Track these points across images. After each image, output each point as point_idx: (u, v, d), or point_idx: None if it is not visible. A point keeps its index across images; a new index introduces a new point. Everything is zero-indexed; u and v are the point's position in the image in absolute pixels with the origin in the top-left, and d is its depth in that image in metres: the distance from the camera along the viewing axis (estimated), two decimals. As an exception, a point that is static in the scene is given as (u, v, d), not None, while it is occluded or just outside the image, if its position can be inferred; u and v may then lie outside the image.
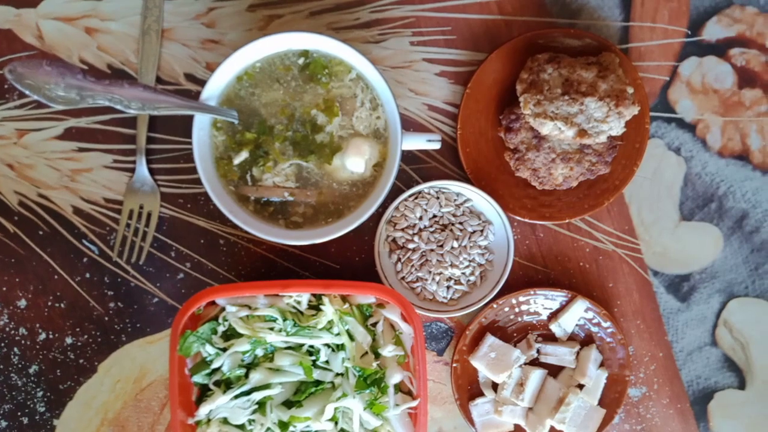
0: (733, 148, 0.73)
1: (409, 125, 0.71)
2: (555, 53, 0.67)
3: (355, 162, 0.63)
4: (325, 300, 0.62)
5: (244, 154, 0.63)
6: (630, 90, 0.64)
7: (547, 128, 0.64)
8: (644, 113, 0.68)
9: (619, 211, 0.73)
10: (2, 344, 0.70)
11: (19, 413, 0.70)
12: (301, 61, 0.64)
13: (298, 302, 0.62)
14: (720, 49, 0.73)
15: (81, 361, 0.71)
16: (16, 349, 0.70)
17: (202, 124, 0.62)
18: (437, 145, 0.65)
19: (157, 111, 0.55)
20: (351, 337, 0.62)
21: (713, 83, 0.73)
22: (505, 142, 0.70)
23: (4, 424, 0.70)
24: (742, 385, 0.73)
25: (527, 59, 0.67)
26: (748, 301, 0.73)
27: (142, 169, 0.70)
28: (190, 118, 0.61)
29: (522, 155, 0.69)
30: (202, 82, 0.67)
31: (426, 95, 0.72)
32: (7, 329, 0.70)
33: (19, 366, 0.70)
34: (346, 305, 0.63)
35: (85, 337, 0.71)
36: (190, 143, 0.62)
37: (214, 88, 0.62)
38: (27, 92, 0.48)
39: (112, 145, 0.71)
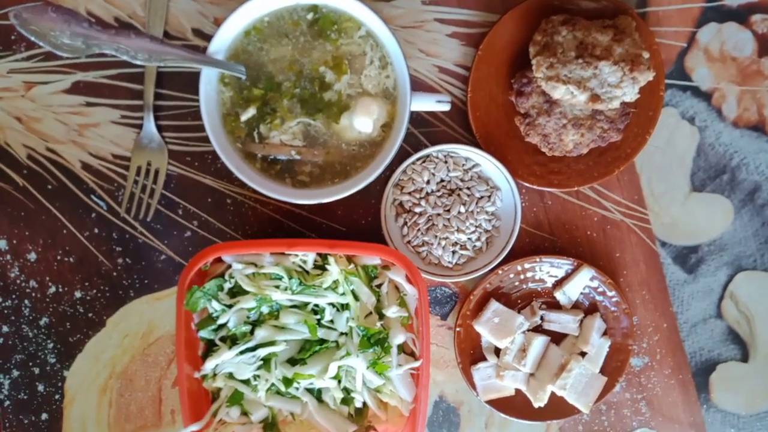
0: (748, 119, 0.72)
1: (419, 87, 0.70)
2: (570, 15, 0.65)
3: (362, 122, 0.62)
4: (331, 260, 0.62)
5: (251, 111, 0.63)
6: (646, 55, 0.62)
7: (559, 92, 0.63)
8: (659, 80, 0.67)
9: (629, 181, 0.72)
10: (14, 296, 0.71)
11: (30, 363, 0.72)
12: (310, 16, 0.63)
13: (304, 261, 0.63)
14: (741, 15, 0.70)
15: (90, 315, 0.72)
16: (26, 301, 0.71)
17: (209, 78, 0.61)
18: (447, 107, 0.65)
19: (164, 63, 0.55)
20: (356, 297, 0.63)
21: (732, 51, 0.71)
22: (516, 106, 0.68)
23: (16, 373, 0.72)
24: (744, 358, 0.73)
25: (541, 21, 0.66)
26: (756, 274, 0.73)
27: (150, 125, 0.69)
28: (198, 74, 0.61)
29: (533, 120, 0.68)
30: (209, 38, 0.66)
31: (437, 56, 0.70)
32: (18, 281, 0.71)
33: (30, 318, 0.71)
34: (352, 266, 0.63)
35: (94, 291, 0.72)
36: (198, 100, 0.61)
37: (222, 42, 0.61)
38: (32, 38, 0.48)
39: (119, 100, 0.70)
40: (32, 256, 0.71)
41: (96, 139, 0.71)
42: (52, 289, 0.72)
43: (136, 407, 0.72)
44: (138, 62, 0.54)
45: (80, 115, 0.71)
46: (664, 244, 0.72)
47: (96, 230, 0.71)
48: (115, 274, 0.71)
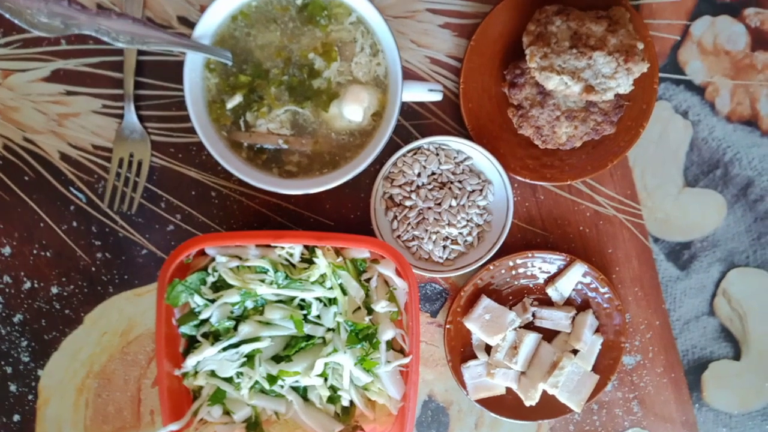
0: (741, 113, 0.71)
1: (411, 78, 0.69)
2: (564, 5, 0.64)
3: (352, 110, 0.61)
4: (319, 253, 0.60)
5: (237, 98, 0.61)
6: (640, 45, 0.61)
7: (552, 83, 0.62)
8: (653, 73, 0.66)
9: (622, 175, 0.71)
10: (-14, 292, 0.69)
11: (2, 362, 0.69)
12: (299, 1, 0.61)
13: (291, 254, 0.61)
14: (734, 8, 0.70)
15: (67, 311, 0.69)
16: (0, 298, 0.69)
17: (194, 64, 0.59)
18: (438, 97, 0.63)
19: (147, 46, 0.53)
20: (344, 292, 0.61)
21: (725, 44, 0.70)
22: (509, 97, 0.67)
23: (-13, 373, 0.69)
24: (737, 356, 0.73)
25: (535, 11, 0.65)
26: (749, 271, 0.72)
27: (131, 115, 0.67)
28: (181, 64, 0.59)
29: (525, 112, 0.67)
30: (195, 26, 0.64)
31: (428, 47, 0.69)
32: (-9, 277, 0.69)
33: (3, 315, 0.69)
34: (340, 259, 0.61)
35: (72, 287, 0.69)
36: (181, 90, 0.59)
37: (207, 26, 0.59)
38: (7, 16, 0.45)
39: (101, 89, 0.68)
40: (7, 250, 0.69)
41: (76, 129, 0.68)
42: (27, 285, 0.69)
43: (114, 408, 0.69)
44: (119, 45, 0.52)
45: (60, 105, 0.68)
46: (657, 240, 0.72)
47: (74, 223, 0.69)
48: (93, 269, 0.69)
